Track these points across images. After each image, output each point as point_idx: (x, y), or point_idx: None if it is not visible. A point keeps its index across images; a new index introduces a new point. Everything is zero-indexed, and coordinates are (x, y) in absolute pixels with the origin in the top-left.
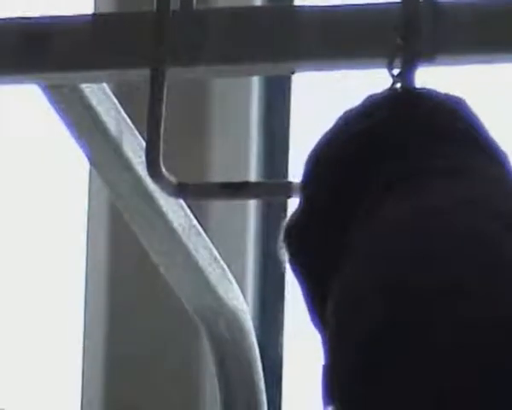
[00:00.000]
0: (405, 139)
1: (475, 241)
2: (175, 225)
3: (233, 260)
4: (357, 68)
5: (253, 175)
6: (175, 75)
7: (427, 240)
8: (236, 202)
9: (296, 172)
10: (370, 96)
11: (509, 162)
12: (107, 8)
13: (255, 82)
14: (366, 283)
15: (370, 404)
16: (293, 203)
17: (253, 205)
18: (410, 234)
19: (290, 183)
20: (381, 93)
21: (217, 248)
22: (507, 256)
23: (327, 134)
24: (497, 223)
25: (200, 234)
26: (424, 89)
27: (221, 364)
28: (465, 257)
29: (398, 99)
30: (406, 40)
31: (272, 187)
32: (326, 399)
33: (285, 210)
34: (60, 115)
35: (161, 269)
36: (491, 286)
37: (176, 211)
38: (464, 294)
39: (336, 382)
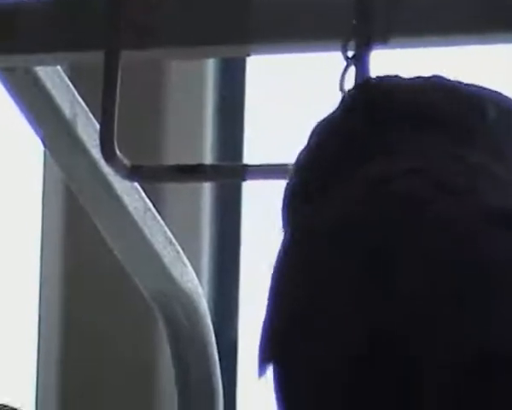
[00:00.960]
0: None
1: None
2: (130, 208)
3: (188, 244)
4: (312, 51)
5: (207, 159)
6: (129, 57)
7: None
8: (191, 185)
9: (251, 155)
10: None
11: None
12: None
13: (210, 65)
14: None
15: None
16: (248, 186)
17: (207, 188)
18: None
19: (245, 166)
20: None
21: (172, 232)
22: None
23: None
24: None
25: (155, 217)
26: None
27: (176, 347)
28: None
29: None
30: (360, 22)
31: (227, 170)
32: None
33: (240, 193)
34: (13, 98)
35: (116, 253)
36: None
37: (131, 194)
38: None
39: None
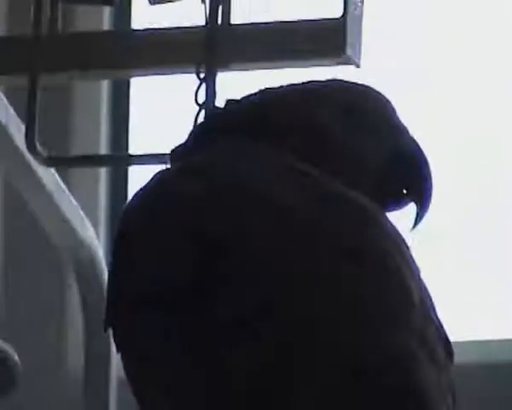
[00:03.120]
0: None
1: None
2: (47, 185)
3: (88, 210)
4: (176, 73)
5: (103, 150)
6: (46, 81)
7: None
8: (90, 169)
9: (134, 147)
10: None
11: None
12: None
13: (104, 84)
14: None
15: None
16: (133, 170)
17: (103, 171)
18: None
19: (130, 155)
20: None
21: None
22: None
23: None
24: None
25: (65, 193)
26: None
27: (81, 287)
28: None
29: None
30: (208, 53)
31: (116, 158)
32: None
33: (126, 173)
34: None
35: (37, 217)
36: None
37: (47, 176)
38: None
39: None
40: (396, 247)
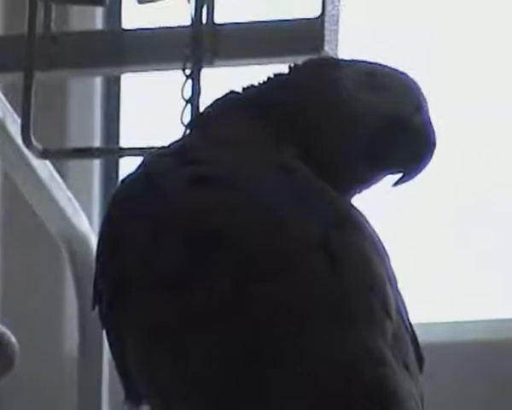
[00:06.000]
0: None
1: None
2: (42, 176)
3: (81, 200)
4: (164, 70)
5: (96, 143)
6: (41, 77)
7: None
8: (84, 161)
9: (125, 140)
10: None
11: None
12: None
13: (97, 80)
14: None
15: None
16: (124, 161)
17: (96, 163)
18: None
19: (121, 148)
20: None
21: (71, 193)
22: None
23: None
24: None
25: (59, 183)
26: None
27: (75, 269)
28: None
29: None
30: (194, 51)
31: (108, 151)
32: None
33: (118, 164)
34: None
35: (33, 207)
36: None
37: (43, 168)
38: None
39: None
40: (375, 252)
